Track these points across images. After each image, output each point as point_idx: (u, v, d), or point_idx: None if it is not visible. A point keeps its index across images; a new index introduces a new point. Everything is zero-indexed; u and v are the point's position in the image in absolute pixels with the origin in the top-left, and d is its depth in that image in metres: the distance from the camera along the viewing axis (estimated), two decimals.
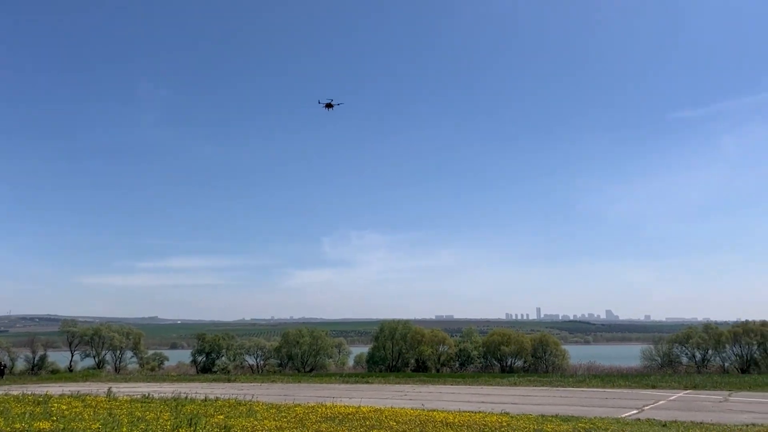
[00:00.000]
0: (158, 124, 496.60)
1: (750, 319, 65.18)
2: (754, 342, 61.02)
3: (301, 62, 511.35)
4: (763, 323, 62.46)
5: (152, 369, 74.04)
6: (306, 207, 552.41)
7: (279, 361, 73.87)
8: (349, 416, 20.00)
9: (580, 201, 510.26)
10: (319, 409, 21.88)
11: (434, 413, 21.49)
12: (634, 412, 24.82)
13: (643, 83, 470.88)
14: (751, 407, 26.52)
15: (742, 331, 62.14)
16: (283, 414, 20.48)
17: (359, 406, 23.22)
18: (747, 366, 60.16)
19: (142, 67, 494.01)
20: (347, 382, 48.04)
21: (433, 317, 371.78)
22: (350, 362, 77.88)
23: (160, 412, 20.20)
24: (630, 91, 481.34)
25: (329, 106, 47.26)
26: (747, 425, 19.66)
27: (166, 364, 79.57)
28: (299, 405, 24.02)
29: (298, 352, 72.40)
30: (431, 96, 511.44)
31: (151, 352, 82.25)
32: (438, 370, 67.58)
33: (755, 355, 61.07)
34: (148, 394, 29.37)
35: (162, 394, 29.72)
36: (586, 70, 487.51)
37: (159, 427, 16.04)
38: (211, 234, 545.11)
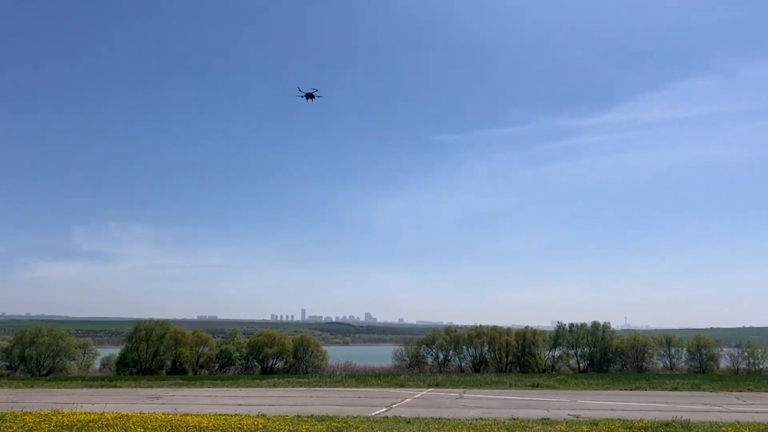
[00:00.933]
0: None
1: (484, 324, 74.28)
2: (486, 344, 69.53)
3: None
4: (493, 327, 71.54)
5: None
6: (54, 191, 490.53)
7: (9, 364, 64.88)
8: (90, 424, 18.21)
9: (347, 210, 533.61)
10: (54, 417, 19.55)
11: (187, 417, 20.56)
12: (384, 410, 26.40)
13: (411, 107, 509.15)
14: (480, 403, 29.96)
15: (476, 335, 70.42)
16: (8, 424, 17.89)
17: (103, 413, 21.28)
18: (479, 366, 68.20)
19: None
20: (91, 387, 43.74)
21: (195, 317, 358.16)
22: (96, 365, 71.43)
23: None
24: (400, 113, 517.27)
25: (309, 96, 41.78)
26: (477, 419, 22.15)
27: None
28: (29, 413, 21.24)
29: (33, 353, 64.23)
30: (217, 93, 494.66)
31: None
32: (196, 372, 65.17)
33: (486, 355, 69.55)
34: None
35: None
36: (371, 90, 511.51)
37: None
38: None
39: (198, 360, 67.48)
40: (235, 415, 22.50)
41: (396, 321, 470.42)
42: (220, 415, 22.38)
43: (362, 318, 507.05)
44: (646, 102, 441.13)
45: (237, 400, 31.37)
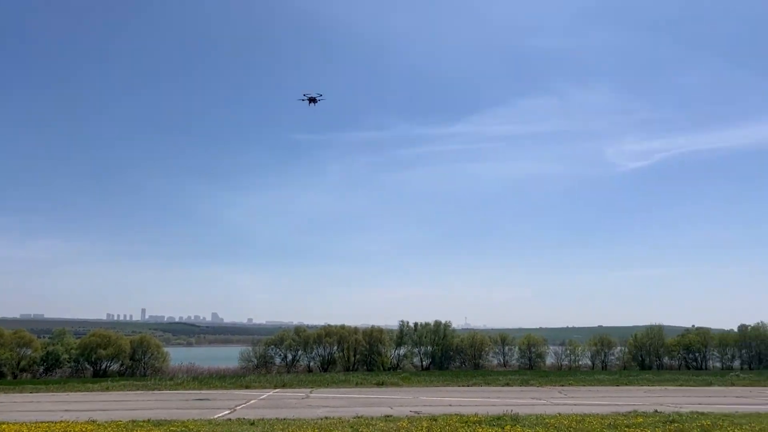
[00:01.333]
0: None
1: (333, 323, 74.79)
2: (335, 343, 70.19)
3: None
4: (342, 326, 72.45)
5: None
6: None
7: None
8: None
9: (196, 205, 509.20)
10: None
11: (2, 426, 18.60)
12: (227, 412, 25.73)
13: (268, 103, 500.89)
14: (327, 402, 30.20)
15: (325, 334, 70.88)
16: None
17: None
18: (328, 365, 68.67)
19: None
20: None
21: (18, 316, 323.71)
22: None
23: None
24: (257, 109, 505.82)
25: (312, 100, 42.49)
26: (322, 418, 22.30)
27: None
28: None
29: None
30: (62, 76, 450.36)
31: None
32: (16, 377, 59.04)
33: (335, 355, 70.20)
34: None
35: None
36: (226, 81, 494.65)
37: None
38: None
39: (19, 363, 61.13)
40: (61, 422, 20.77)
41: (245, 321, 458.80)
42: (42, 422, 20.54)
43: (208, 318, 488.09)
44: (491, 117, 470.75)
45: (63, 406, 28.90)
